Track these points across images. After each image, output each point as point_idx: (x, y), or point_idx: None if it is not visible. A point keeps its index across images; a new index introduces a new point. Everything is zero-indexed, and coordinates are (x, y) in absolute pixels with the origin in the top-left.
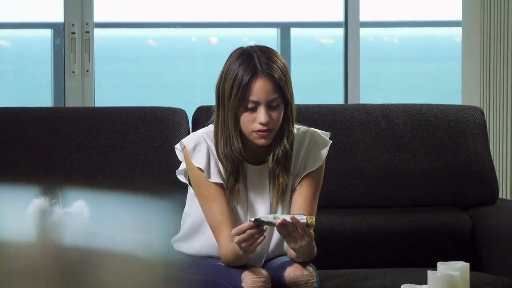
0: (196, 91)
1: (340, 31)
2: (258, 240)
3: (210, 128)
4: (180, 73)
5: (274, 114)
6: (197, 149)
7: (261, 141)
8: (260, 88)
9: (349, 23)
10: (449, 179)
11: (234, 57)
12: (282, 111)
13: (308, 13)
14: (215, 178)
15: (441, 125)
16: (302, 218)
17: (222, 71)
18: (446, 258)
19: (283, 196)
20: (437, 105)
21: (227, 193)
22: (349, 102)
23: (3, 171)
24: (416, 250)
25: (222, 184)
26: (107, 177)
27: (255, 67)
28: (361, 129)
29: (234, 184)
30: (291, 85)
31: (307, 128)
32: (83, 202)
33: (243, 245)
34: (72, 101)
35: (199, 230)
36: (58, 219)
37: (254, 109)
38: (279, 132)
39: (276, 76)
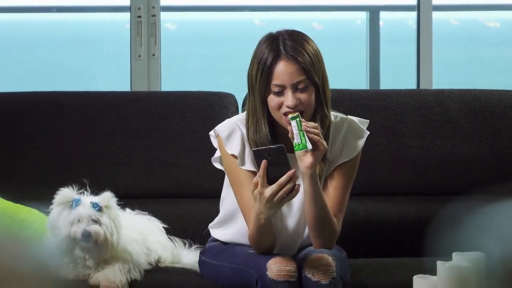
0: None
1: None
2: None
3: (244, 115)
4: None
5: (303, 96)
6: (231, 137)
7: None
8: (283, 71)
9: (422, 6)
10: (504, 167)
11: (262, 42)
12: (313, 94)
13: None
14: (248, 165)
15: (496, 111)
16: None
17: (252, 57)
18: None
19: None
20: (494, 90)
21: None
22: (421, 87)
23: (46, 157)
24: None
25: (255, 172)
26: (151, 163)
27: (278, 50)
28: (413, 115)
29: None
30: (324, 69)
31: (345, 116)
32: (109, 194)
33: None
34: (138, 86)
35: (232, 218)
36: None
37: (281, 93)
38: (313, 118)
39: (300, 59)
